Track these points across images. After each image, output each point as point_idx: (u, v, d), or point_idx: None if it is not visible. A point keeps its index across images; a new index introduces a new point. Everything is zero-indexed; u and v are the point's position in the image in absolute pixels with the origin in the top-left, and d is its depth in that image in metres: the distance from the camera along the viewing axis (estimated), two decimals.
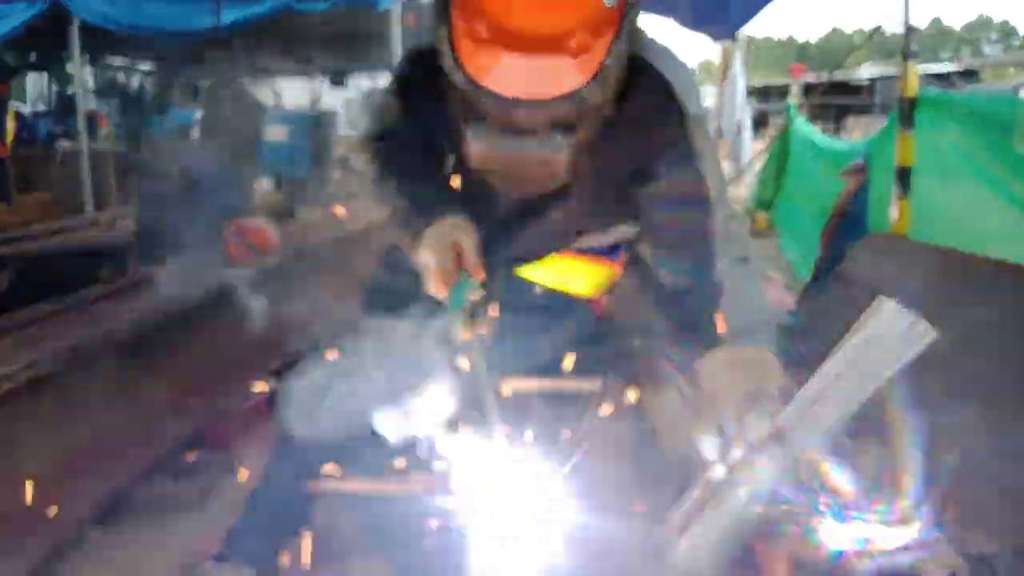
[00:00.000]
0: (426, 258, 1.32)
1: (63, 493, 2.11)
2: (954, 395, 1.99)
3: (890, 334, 0.96)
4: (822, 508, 1.04)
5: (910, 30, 2.78)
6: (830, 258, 3.19)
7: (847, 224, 3.25)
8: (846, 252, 2.84)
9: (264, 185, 5.60)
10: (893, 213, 2.74)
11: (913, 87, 2.72)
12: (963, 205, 2.63)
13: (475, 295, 1.33)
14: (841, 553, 1.01)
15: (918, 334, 0.95)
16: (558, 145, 1.13)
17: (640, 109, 1.27)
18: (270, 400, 2.83)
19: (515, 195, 1.39)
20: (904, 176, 2.72)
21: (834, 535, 1.01)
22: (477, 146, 1.16)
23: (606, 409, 1.39)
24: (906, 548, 1.02)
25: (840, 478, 1.02)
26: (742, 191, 7.13)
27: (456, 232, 1.34)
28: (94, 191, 6.23)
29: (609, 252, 1.55)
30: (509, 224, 1.45)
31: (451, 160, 1.45)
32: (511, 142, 1.14)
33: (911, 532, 1.02)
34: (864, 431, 1.10)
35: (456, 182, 1.44)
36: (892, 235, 2.72)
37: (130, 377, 2.53)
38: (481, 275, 1.33)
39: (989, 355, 1.95)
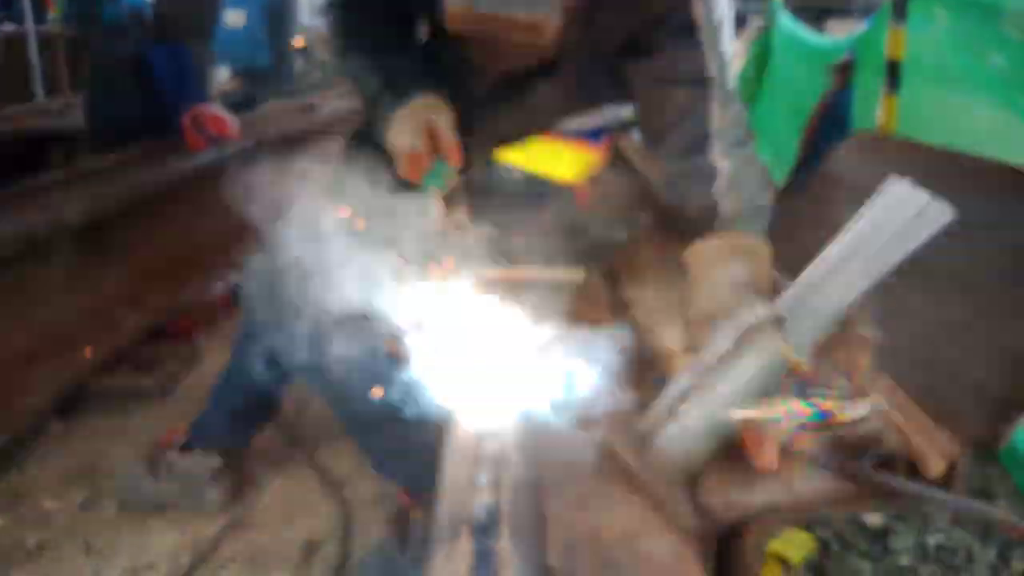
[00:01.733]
0: (398, 140, 1.23)
1: (21, 383, 2.07)
2: (936, 293, 2.00)
3: (902, 216, 0.91)
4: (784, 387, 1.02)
5: None
6: (809, 159, 3.14)
7: (829, 124, 3.17)
8: (827, 153, 2.79)
9: (222, 74, 5.34)
10: (880, 111, 2.68)
11: None
12: (952, 103, 2.57)
13: (451, 180, 1.25)
14: (803, 427, 0.98)
15: (933, 215, 0.90)
16: (547, 4, 1.03)
17: None
18: (234, 292, 2.78)
19: (496, 69, 1.29)
20: (894, 71, 2.64)
21: (795, 411, 0.99)
22: (455, 7, 1.05)
23: (587, 300, 1.35)
24: (863, 420, 1.00)
25: (799, 358, 0.99)
26: None
27: (431, 111, 1.24)
28: (43, 77, 5.91)
29: (594, 136, 1.47)
30: (489, 102, 1.36)
31: (425, 27, 1.34)
32: (494, 1, 1.04)
33: (868, 405, 1.00)
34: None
35: (431, 54, 1.34)
36: (877, 133, 2.67)
37: (86, 267, 2.44)
38: (458, 159, 1.24)
39: (974, 255, 1.94)
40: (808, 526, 1.78)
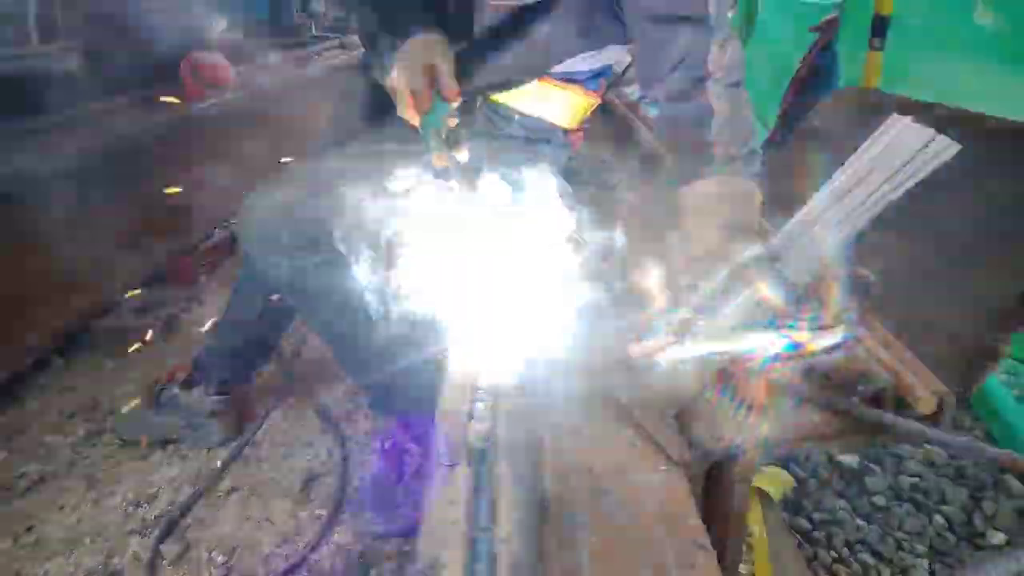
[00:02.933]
0: (398, 80, 1.21)
1: (21, 323, 2.09)
2: (911, 242, 2.01)
3: (904, 151, 0.89)
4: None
5: None
6: (792, 116, 3.04)
7: (813, 82, 3.07)
8: (809, 109, 2.73)
9: (220, 24, 5.26)
10: (866, 66, 2.61)
11: None
12: (938, 61, 2.52)
13: (450, 120, 1.26)
14: (776, 358, 0.99)
15: (937, 149, 0.87)
16: None
17: None
18: (233, 237, 2.79)
19: (496, 7, 1.29)
20: (881, 26, 2.54)
21: (769, 342, 1.00)
22: None
23: (578, 242, 1.37)
24: (834, 349, 1.00)
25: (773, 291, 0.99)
26: None
27: (430, 51, 1.23)
28: (38, 20, 5.78)
29: (590, 80, 1.47)
30: (488, 42, 1.35)
31: None
32: None
33: (839, 335, 1.01)
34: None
35: None
36: (862, 89, 2.60)
37: (86, 210, 2.44)
38: (457, 99, 1.24)
39: (950, 206, 1.95)
40: (786, 464, 1.83)
